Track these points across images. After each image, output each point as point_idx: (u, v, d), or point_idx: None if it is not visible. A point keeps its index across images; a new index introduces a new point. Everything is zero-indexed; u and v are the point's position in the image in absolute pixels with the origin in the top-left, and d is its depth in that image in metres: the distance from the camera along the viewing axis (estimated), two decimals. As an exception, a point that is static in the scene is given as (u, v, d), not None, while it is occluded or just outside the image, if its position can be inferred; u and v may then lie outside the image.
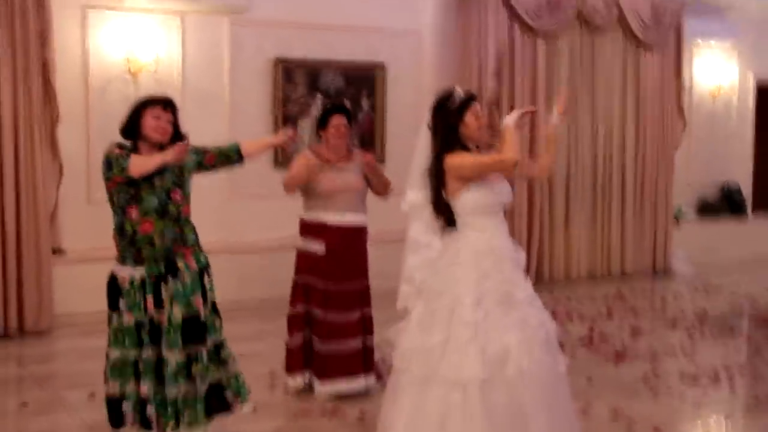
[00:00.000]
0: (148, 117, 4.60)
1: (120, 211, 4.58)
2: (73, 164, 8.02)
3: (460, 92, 4.53)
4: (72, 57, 8.13)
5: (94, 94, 8.19)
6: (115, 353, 4.64)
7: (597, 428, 5.45)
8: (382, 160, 9.26)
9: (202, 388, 4.66)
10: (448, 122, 4.48)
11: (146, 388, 4.60)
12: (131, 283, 4.59)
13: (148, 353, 4.60)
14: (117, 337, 4.64)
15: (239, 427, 5.26)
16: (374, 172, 6.05)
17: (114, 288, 4.66)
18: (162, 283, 4.59)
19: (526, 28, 10.02)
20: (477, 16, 9.77)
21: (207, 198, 7.27)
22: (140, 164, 4.47)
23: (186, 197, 4.73)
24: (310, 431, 5.40)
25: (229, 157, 4.97)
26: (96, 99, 8.16)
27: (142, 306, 4.59)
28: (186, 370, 4.60)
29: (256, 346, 7.05)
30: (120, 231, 4.61)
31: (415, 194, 4.65)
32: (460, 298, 4.30)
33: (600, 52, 10.62)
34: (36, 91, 7.56)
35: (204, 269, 4.75)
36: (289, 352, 6.03)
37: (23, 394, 6.16)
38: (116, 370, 4.64)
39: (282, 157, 9.04)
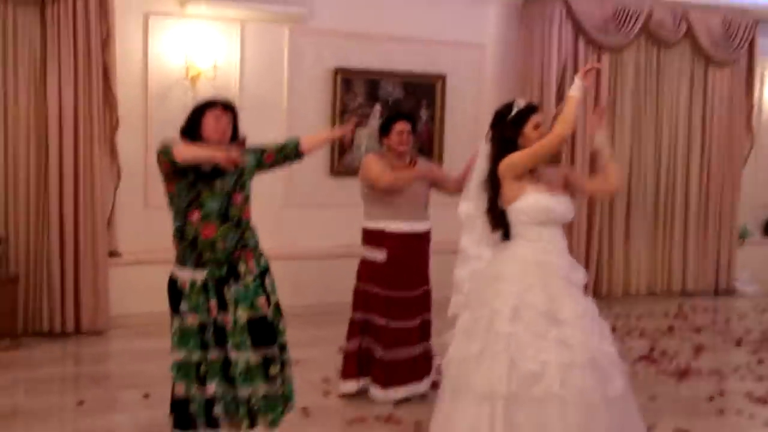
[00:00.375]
0: (209, 117, 4.62)
1: (181, 214, 4.56)
2: (131, 169, 8.07)
3: (520, 103, 4.47)
4: (132, 63, 8.18)
5: (153, 100, 8.23)
6: (180, 355, 4.62)
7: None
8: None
9: (280, 387, 4.69)
10: (506, 134, 4.43)
11: (212, 388, 4.58)
12: (192, 285, 4.58)
13: (214, 355, 4.60)
14: (181, 338, 4.62)
15: None
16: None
17: (174, 290, 4.65)
18: (224, 287, 4.57)
19: (591, 41, 9.87)
20: (540, 29, 9.64)
21: (263, 205, 7.19)
22: (185, 150, 4.44)
23: (246, 199, 4.71)
24: (363, 437, 5.33)
25: (288, 154, 4.98)
26: (155, 104, 8.19)
27: (206, 308, 4.58)
28: (264, 370, 4.61)
29: (310, 352, 7.00)
30: (180, 234, 4.59)
31: (469, 205, 4.63)
32: (499, 309, 4.24)
33: (666, 67, 10.40)
34: (96, 96, 7.62)
35: (265, 272, 4.74)
36: (345, 357, 6.02)
37: (80, 392, 6.17)
38: (182, 371, 4.63)
39: (338, 166, 9.05)
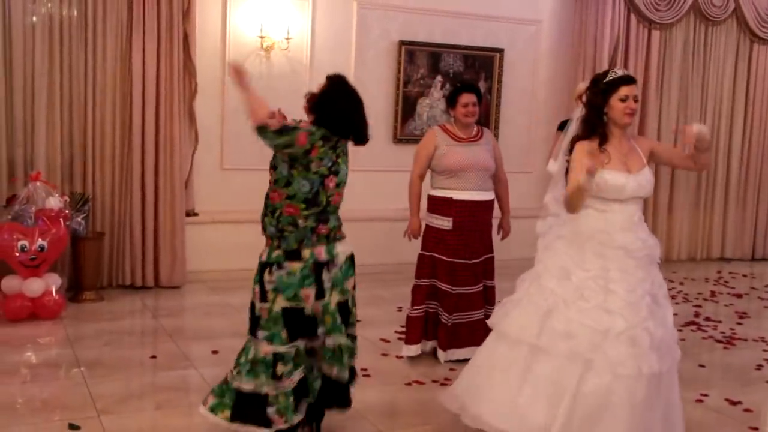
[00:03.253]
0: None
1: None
2: (208, 134, 7.70)
3: (617, 72, 3.91)
4: (211, 33, 7.77)
5: (229, 68, 7.75)
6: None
7: (712, 417, 4.78)
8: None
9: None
10: (595, 100, 3.90)
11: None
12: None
13: None
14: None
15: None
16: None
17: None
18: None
19: (643, 18, 9.25)
20: (595, 6, 9.06)
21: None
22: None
23: (276, 183, 3.92)
24: (420, 399, 4.87)
25: None
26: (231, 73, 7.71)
27: None
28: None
29: (372, 312, 6.58)
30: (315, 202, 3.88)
31: (556, 164, 4.13)
32: (549, 266, 3.90)
33: (713, 44, 9.76)
34: (177, 64, 7.22)
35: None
36: (410, 322, 5.53)
37: (155, 346, 5.86)
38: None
39: (400, 133, 8.60)
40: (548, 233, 4.10)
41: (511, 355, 3.86)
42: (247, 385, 3.85)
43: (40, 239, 6.20)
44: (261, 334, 3.89)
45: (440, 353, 5.46)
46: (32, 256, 6.19)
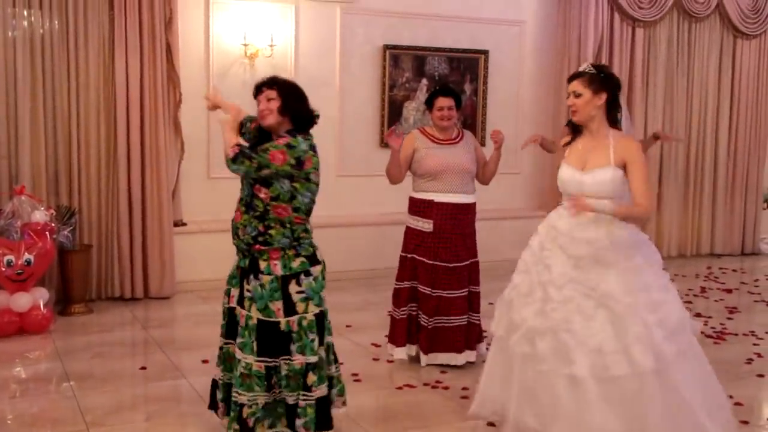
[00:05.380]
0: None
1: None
2: (194, 143, 7.67)
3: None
4: (194, 42, 7.75)
5: (214, 78, 7.77)
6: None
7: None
8: (483, 144, 8.67)
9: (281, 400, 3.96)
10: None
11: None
12: (234, 268, 4.09)
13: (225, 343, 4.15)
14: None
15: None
16: (498, 153, 5.50)
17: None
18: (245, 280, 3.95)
19: (626, 17, 9.27)
20: (578, 5, 9.07)
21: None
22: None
23: (275, 198, 3.84)
24: (412, 402, 4.85)
25: None
26: (216, 82, 7.70)
27: (228, 294, 4.11)
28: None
29: (362, 316, 6.57)
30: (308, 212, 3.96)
31: None
32: (519, 260, 4.10)
33: (697, 40, 9.79)
34: (161, 74, 7.19)
35: (293, 277, 3.87)
36: (395, 324, 5.51)
37: (146, 357, 5.84)
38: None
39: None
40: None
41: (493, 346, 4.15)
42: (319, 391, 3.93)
43: (26, 253, 6.17)
44: (294, 347, 3.87)
45: (422, 357, 5.42)
46: (19, 271, 6.15)
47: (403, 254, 5.50)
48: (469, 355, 5.44)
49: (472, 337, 5.46)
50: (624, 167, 3.86)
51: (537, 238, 4.03)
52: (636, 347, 3.63)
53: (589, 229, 3.82)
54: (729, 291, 8.09)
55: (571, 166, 3.92)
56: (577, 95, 3.90)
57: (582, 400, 3.63)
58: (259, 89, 3.96)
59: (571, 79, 3.96)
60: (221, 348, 4.10)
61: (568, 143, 4.06)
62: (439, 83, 8.53)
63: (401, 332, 5.45)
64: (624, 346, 3.64)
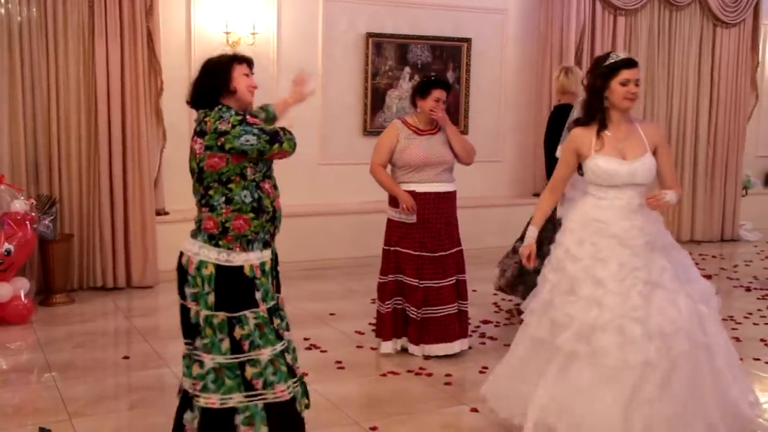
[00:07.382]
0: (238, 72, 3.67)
1: (253, 186, 3.48)
2: (176, 131, 7.56)
3: (618, 55, 3.87)
4: (176, 30, 7.67)
5: (196, 65, 7.55)
6: (269, 353, 3.50)
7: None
8: (465, 131, 8.67)
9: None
10: (596, 83, 3.85)
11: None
12: (262, 268, 3.51)
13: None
14: (263, 335, 3.48)
15: (326, 386, 4.78)
16: (449, 129, 5.40)
17: (246, 283, 3.45)
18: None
19: (608, 5, 9.27)
20: (560, -8, 9.08)
21: (300, 164, 6.81)
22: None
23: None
24: (396, 389, 4.85)
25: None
26: (198, 70, 7.63)
27: (273, 292, 3.58)
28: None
29: (345, 305, 6.54)
30: (257, 209, 3.47)
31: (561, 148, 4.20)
32: (551, 257, 3.97)
33: (677, 28, 9.82)
34: (142, 62, 7.12)
35: None
36: (381, 317, 5.47)
37: (129, 346, 5.81)
38: (281, 372, 3.52)
39: (370, 126, 8.55)
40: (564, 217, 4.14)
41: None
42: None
43: (6, 243, 6.10)
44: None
45: (412, 348, 5.39)
46: (-1, 261, 6.10)
47: (386, 247, 5.44)
48: (462, 343, 5.43)
49: (463, 325, 5.46)
50: (654, 152, 3.92)
51: (571, 235, 3.90)
52: (692, 325, 3.70)
53: (637, 218, 3.83)
54: (709, 277, 8.08)
55: (614, 157, 3.84)
56: (638, 84, 3.86)
57: (656, 386, 3.60)
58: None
59: (630, 65, 3.83)
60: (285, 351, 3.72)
61: (597, 134, 3.89)
62: (422, 71, 8.51)
63: (388, 326, 5.41)
64: (682, 325, 3.69)
